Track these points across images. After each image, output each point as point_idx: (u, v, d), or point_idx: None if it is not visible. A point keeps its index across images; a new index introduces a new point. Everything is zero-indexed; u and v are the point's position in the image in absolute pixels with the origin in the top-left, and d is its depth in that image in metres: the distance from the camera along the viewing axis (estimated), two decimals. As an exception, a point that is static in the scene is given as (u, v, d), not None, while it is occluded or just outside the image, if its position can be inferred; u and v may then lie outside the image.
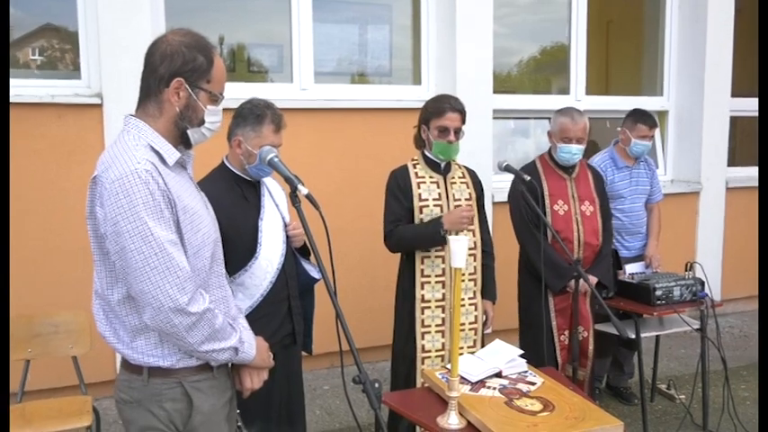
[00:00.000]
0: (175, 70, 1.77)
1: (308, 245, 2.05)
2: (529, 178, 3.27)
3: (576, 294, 3.27)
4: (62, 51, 4.46)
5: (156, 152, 1.77)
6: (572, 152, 3.54)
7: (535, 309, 3.57)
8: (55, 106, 4.02)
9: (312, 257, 2.78)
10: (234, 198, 2.68)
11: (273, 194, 2.83)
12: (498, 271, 3.46)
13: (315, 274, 2.87)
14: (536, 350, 3.36)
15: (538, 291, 3.49)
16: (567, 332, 3.57)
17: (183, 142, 1.86)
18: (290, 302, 2.78)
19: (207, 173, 2.78)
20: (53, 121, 4.02)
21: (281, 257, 2.70)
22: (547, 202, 3.54)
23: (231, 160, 2.74)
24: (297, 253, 2.85)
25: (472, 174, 3.39)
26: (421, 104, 3.36)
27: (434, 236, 3.10)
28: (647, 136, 4.19)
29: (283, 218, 2.79)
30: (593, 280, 3.46)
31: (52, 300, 3.91)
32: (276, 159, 2.18)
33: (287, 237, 2.77)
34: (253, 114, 2.65)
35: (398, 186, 3.23)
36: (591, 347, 3.61)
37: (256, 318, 2.52)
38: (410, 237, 3.16)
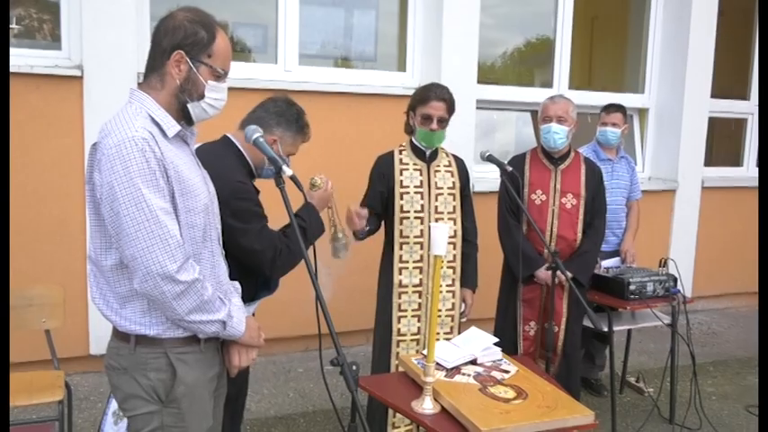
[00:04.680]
0: (177, 43, 1.83)
1: (293, 227, 2.04)
2: (510, 169, 3.28)
3: (552, 287, 3.30)
4: (41, 21, 4.37)
5: (157, 123, 1.81)
6: (551, 131, 3.51)
7: (505, 297, 3.68)
8: (34, 77, 3.95)
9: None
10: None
11: None
12: (478, 260, 3.48)
13: None
14: (503, 338, 3.38)
15: (510, 280, 3.58)
16: (532, 323, 3.60)
17: (184, 117, 1.90)
18: None
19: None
20: (31, 92, 3.96)
21: None
22: (526, 190, 3.56)
23: (249, 151, 2.53)
24: None
25: (459, 162, 3.40)
26: (405, 91, 3.37)
27: None
28: (608, 122, 4.27)
29: None
30: (567, 275, 3.48)
31: (26, 273, 3.87)
32: (261, 140, 2.17)
33: None
34: (298, 122, 2.62)
35: (380, 172, 3.26)
36: (560, 344, 3.61)
37: None
38: None
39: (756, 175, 6.46)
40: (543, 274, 3.45)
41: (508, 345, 3.46)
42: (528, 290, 3.57)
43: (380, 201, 3.26)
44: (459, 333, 3.28)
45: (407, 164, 3.26)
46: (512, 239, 3.50)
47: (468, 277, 3.39)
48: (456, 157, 3.41)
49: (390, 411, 3.27)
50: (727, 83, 6.40)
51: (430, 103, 3.18)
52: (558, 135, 3.52)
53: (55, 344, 3.25)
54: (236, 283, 2.13)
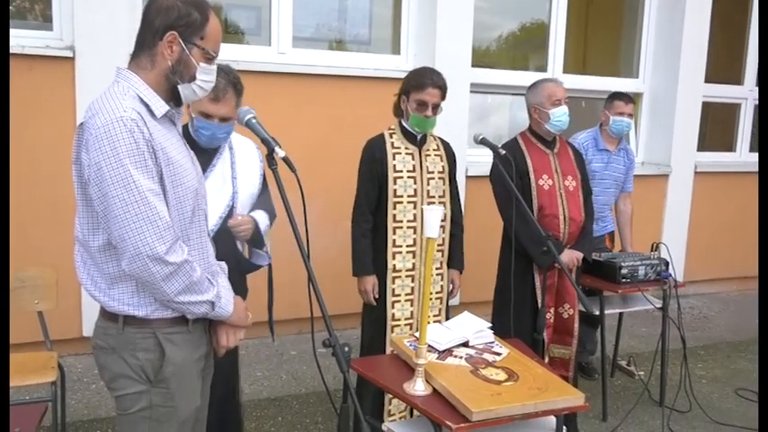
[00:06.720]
0: (170, 23, 1.80)
1: (285, 209, 2.03)
2: (504, 152, 3.26)
3: (552, 271, 3.28)
4: (32, 1, 4.33)
5: (145, 104, 1.80)
6: (566, 113, 3.47)
7: (503, 281, 3.54)
8: (25, 57, 3.92)
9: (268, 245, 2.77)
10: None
11: (237, 165, 2.71)
12: (471, 244, 3.47)
13: (260, 260, 2.79)
14: (517, 329, 3.29)
15: (524, 267, 3.42)
16: (553, 310, 3.53)
17: (173, 98, 1.89)
18: None
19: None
20: (23, 74, 3.92)
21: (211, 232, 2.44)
22: (531, 177, 3.46)
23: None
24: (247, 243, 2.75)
25: (446, 146, 3.40)
26: (399, 74, 3.35)
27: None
28: (624, 112, 4.23)
29: (234, 193, 2.65)
30: (580, 255, 3.49)
31: (19, 255, 3.85)
32: (254, 121, 2.15)
33: (227, 216, 2.62)
34: None
35: (374, 156, 3.24)
36: (576, 325, 3.56)
37: None
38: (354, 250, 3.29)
39: (749, 160, 6.49)
40: (566, 257, 3.42)
41: (505, 329, 3.38)
42: (546, 277, 3.46)
43: (372, 203, 3.24)
44: (448, 315, 3.31)
45: (399, 148, 3.25)
46: (530, 228, 3.27)
47: (455, 259, 3.39)
48: (443, 141, 3.41)
49: (386, 399, 3.29)
50: (721, 68, 6.40)
51: (426, 89, 3.15)
52: (568, 117, 3.51)
53: (48, 325, 3.25)
54: (223, 264, 2.13)
